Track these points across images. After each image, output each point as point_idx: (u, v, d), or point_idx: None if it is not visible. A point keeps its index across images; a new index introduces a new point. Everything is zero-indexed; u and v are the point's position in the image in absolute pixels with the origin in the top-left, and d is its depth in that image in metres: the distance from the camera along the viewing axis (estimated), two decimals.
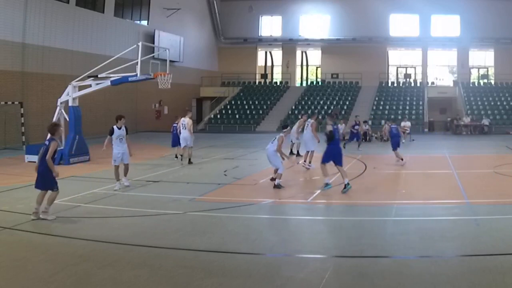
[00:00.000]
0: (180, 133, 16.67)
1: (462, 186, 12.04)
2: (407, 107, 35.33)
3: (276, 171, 12.29)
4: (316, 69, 44.04)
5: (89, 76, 17.36)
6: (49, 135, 9.35)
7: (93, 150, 18.65)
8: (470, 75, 40.45)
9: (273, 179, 12.37)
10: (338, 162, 11.60)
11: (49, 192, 8.96)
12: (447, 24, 39.84)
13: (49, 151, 8.82)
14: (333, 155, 11.60)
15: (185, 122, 16.47)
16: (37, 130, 22.05)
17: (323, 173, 11.63)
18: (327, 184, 11.54)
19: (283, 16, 42.32)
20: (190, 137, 16.42)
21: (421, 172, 15.31)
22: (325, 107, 36.10)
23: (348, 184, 11.27)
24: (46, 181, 8.89)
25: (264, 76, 44.19)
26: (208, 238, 7.75)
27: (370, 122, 29.98)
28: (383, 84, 39.91)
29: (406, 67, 42.03)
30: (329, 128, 11.64)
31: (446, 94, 37.47)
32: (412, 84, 40.08)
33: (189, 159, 16.60)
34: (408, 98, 36.82)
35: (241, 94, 39.96)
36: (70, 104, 17.12)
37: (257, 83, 42.96)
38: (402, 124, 27.00)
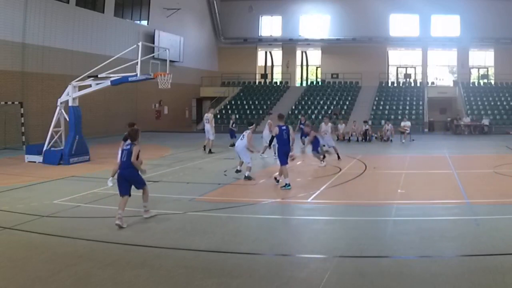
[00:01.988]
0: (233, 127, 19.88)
1: (462, 186, 12.04)
2: (407, 107, 35.30)
3: (246, 166, 13.64)
4: (316, 69, 44.03)
5: (89, 76, 17.34)
6: (128, 141, 9.04)
7: (93, 150, 18.68)
8: (470, 75, 40.42)
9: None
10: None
11: (142, 190, 9.09)
12: (447, 24, 39.82)
13: (133, 154, 8.73)
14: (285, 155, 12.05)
15: (208, 117, 19.86)
16: (37, 130, 22.06)
17: (285, 174, 11.86)
18: (287, 185, 11.80)
19: (283, 16, 42.31)
20: (211, 130, 19.40)
21: (421, 172, 15.31)
22: (325, 107, 36.10)
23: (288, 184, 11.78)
24: (136, 182, 8.95)
25: (264, 76, 44.17)
26: (208, 238, 7.76)
27: (370, 122, 29.98)
28: (383, 84, 39.89)
29: (406, 67, 42.01)
30: (275, 131, 12.26)
31: (446, 94, 37.45)
32: (412, 84, 40.04)
33: (210, 149, 19.38)
34: (408, 98, 36.80)
35: (241, 94, 39.93)
36: (70, 104, 17.10)
37: (257, 83, 42.93)
38: (402, 124, 27.03)
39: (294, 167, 16.20)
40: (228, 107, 37.60)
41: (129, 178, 8.85)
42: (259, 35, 43.01)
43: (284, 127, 12.20)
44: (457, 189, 11.81)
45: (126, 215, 9.28)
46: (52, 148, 17.16)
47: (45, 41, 24.27)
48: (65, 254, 6.98)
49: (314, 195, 11.21)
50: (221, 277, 6.07)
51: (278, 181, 12.38)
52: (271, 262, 6.78)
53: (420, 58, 41.08)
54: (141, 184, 9.04)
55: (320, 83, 41.57)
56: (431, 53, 41.11)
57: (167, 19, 34.97)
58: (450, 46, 40.18)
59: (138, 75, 16.43)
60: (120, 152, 9.22)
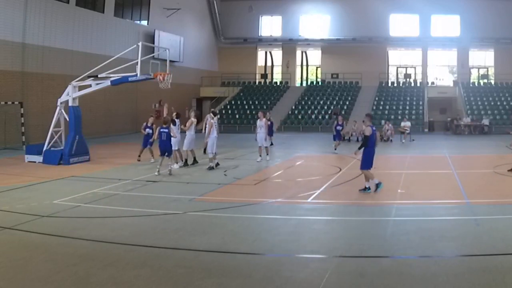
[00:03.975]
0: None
1: (462, 186, 12.04)
2: (407, 107, 35.31)
3: (211, 157, 15.48)
4: (316, 69, 44.02)
5: (89, 76, 17.33)
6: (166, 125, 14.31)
7: (93, 150, 18.68)
8: (470, 75, 40.42)
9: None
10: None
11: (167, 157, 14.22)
12: (447, 24, 39.82)
13: (172, 133, 14.43)
14: (371, 159, 11.39)
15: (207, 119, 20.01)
16: (37, 130, 22.04)
17: (370, 177, 11.34)
18: (376, 185, 11.33)
19: (283, 16, 42.31)
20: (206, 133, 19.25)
21: (421, 172, 15.31)
22: (325, 107, 36.11)
23: (378, 183, 11.31)
24: (169, 152, 14.32)
25: (264, 76, 44.15)
26: (208, 238, 7.75)
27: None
28: (383, 84, 39.90)
29: (406, 67, 42.00)
30: (368, 131, 11.21)
31: (446, 94, 37.45)
32: (412, 84, 40.05)
33: (204, 149, 18.90)
34: (408, 98, 36.81)
35: (241, 94, 39.94)
36: (70, 104, 17.10)
37: (257, 83, 42.94)
38: (402, 124, 27.04)
39: (294, 167, 16.21)
40: (228, 107, 37.60)
41: (166, 150, 14.12)
42: (259, 35, 43.00)
43: (374, 128, 11.35)
44: (457, 189, 11.81)
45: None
46: (52, 148, 17.15)
47: (45, 41, 24.25)
48: (65, 254, 6.98)
49: (314, 195, 11.21)
50: (221, 277, 6.07)
51: (369, 189, 11.36)
52: (271, 262, 6.77)
53: (420, 58, 41.07)
54: (171, 154, 14.51)
55: (320, 83, 41.58)
56: (431, 53, 41.10)
57: (167, 19, 34.96)
58: (450, 46, 40.17)
59: (138, 75, 16.43)
60: (158, 133, 14.26)
